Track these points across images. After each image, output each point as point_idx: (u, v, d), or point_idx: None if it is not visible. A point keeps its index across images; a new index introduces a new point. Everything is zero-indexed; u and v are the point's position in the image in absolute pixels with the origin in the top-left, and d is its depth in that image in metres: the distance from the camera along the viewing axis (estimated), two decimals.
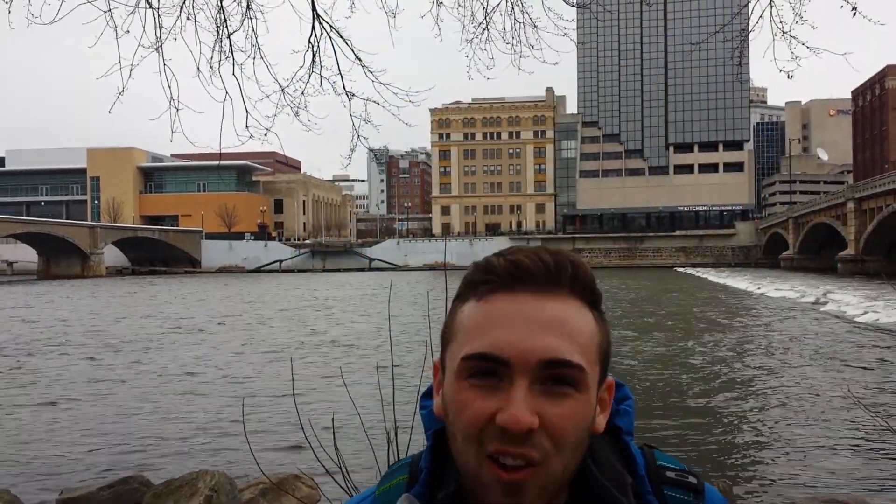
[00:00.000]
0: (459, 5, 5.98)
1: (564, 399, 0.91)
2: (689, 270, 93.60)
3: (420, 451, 1.05)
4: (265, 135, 5.69)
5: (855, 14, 5.99)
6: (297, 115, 5.81)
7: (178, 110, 5.43)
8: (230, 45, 5.49)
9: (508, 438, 0.88)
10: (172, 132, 5.50)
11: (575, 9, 6.70)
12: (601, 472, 0.97)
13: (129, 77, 5.19)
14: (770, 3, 5.77)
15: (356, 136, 6.16)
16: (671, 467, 1.05)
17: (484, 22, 6.01)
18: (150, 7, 5.17)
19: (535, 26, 6.02)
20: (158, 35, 5.22)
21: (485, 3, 5.97)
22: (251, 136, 5.61)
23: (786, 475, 9.58)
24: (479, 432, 0.90)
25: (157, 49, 5.22)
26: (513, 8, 5.93)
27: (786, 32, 5.81)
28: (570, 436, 0.91)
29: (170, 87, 5.32)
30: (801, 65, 6.27)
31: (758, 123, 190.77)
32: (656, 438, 11.14)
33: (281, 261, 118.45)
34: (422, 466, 1.01)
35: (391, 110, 5.85)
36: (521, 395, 0.89)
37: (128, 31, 5.07)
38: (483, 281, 0.96)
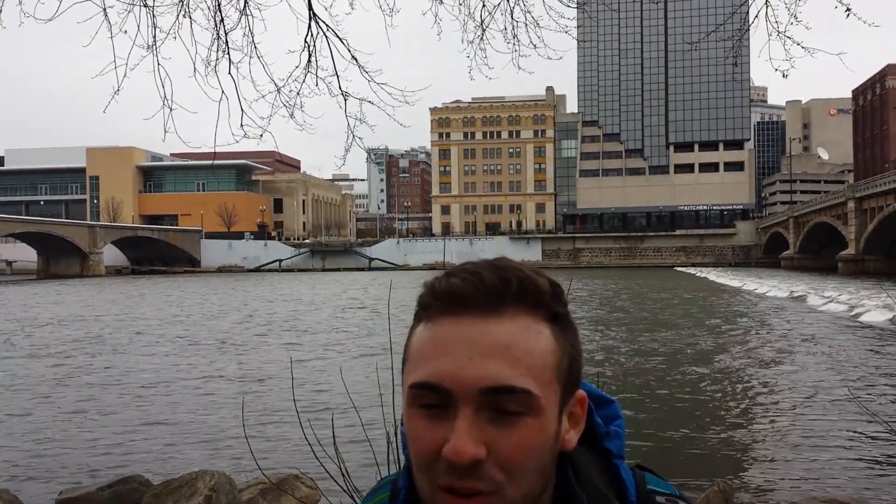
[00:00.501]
0: (460, 4, 5.96)
1: (515, 426, 0.87)
2: (690, 270, 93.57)
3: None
4: (261, 136, 5.68)
5: (848, 15, 5.95)
6: (292, 115, 5.80)
7: (171, 110, 5.42)
8: (227, 43, 5.48)
9: (454, 471, 0.86)
10: (165, 132, 5.48)
11: (575, 7, 6.66)
12: (587, 496, 0.95)
13: (125, 76, 5.17)
14: (766, 3, 5.75)
15: (351, 136, 6.16)
16: (661, 492, 1.02)
17: (483, 22, 5.99)
18: (146, 6, 5.15)
19: (537, 25, 6.00)
20: (154, 34, 5.20)
21: (485, 1, 5.95)
22: (245, 135, 5.60)
23: (786, 476, 9.57)
24: (429, 464, 0.89)
25: (150, 48, 5.19)
26: (513, 7, 5.91)
27: (780, 32, 5.79)
28: (525, 463, 0.88)
29: (163, 86, 5.30)
30: (796, 65, 6.25)
31: (758, 123, 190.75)
32: (657, 439, 11.14)
33: (280, 260, 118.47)
34: (400, 486, 0.99)
35: (386, 110, 5.85)
36: (465, 425, 0.86)
37: (125, 32, 5.05)
38: (430, 304, 0.93)
